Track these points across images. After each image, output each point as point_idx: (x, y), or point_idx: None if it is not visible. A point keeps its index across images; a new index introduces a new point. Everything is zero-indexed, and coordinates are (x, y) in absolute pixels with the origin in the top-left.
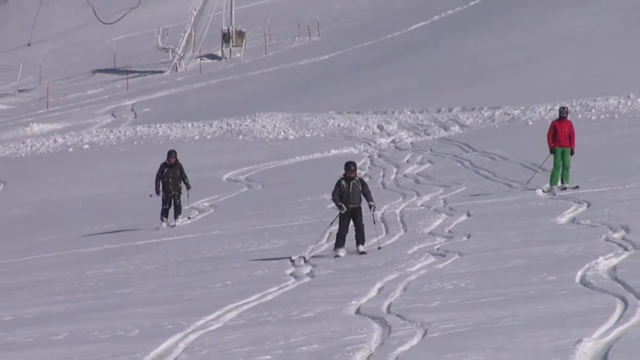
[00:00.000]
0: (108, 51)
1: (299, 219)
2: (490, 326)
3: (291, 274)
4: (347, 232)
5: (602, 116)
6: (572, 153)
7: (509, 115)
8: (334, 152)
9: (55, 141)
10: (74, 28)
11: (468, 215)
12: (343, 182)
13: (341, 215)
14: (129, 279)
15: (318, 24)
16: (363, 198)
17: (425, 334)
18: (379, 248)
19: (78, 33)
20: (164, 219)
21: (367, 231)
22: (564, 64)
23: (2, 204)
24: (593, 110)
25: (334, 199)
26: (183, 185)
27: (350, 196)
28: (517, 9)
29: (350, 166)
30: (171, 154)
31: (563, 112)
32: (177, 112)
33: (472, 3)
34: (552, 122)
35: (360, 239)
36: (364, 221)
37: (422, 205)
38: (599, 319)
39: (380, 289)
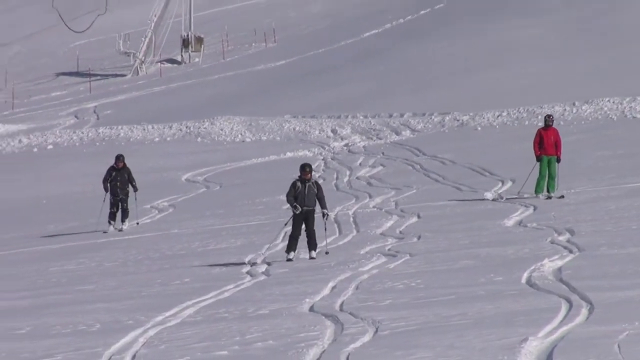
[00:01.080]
0: (72, 55)
1: (255, 219)
2: (440, 325)
3: (247, 272)
4: (300, 234)
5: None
6: (558, 161)
7: (458, 120)
8: (289, 154)
9: (20, 141)
10: (39, 32)
11: (418, 217)
12: (299, 184)
13: (295, 218)
14: (90, 276)
15: (274, 30)
16: (317, 202)
17: (376, 332)
18: (327, 253)
19: (43, 37)
20: (112, 222)
21: (317, 234)
22: (511, 72)
23: None
24: (539, 117)
25: (288, 200)
26: (131, 189)
27: (306, 198)
28: (465, 19)
29: (305, 168)
30: (119, 158)
31: (549, 120)
32: (138, 115)
33: (422, 12)
34: (538, 129)
35: (312, 245)
36: (315, 226)
37: (374, 207)
38: (545, 318)
39: (333, 288)
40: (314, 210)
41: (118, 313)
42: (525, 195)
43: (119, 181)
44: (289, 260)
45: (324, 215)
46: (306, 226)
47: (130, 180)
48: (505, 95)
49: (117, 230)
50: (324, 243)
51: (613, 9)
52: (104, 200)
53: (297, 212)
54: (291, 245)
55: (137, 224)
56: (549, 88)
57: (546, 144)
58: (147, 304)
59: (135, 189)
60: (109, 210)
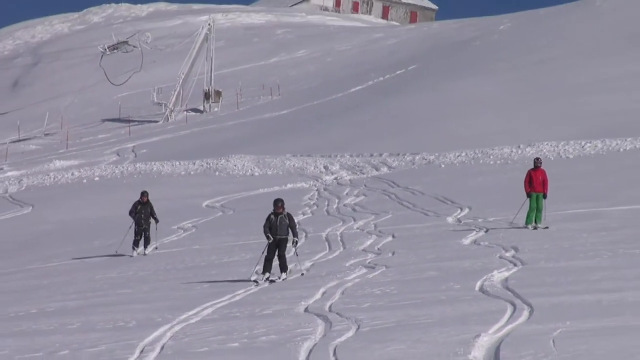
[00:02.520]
0: (115, 105)
1: (261, 238)
2: (410, 323)
3: (254, 280)
4: (273, 257)
5: (498, 161)
6: (544, 197)
7: (425, 159)
8: (289, 185)
9: (72, 174)
10: (89, 86)
11: (393, 236)
12: (272, 217)
13: (269, 244)
14: (128, 282)
15: (278, 86)
16: (290, 230)
17: (358, 329)
18: (302, 274)
19: (92, 90)
20: (135, 248)
21: (289, 262)
22: (468, 120)
23: (30, 222)
24: (491, 157)
25: (264, 231)
26: (152, 221)
27: (278, 228)
28: (432, 78)
29: (278, 203)
30: (144, 194)
31: (537, 162)
32: (168, 153)
33: (398, 72)
34: (528, 170)
35: (283, 267)
36: (287, 252)
37: (357, 229)
38: (494, 318)
39: (323, 293)
40: (286, 239)
41: (150, 312)
42: (479, 220)
43: (142, 213)
44: (255, 281)
45: (293, 242)
46: (278, 251)
47: (152, 213)
48: (464, 139)
49: (141, 255)
50: (299, 267)
51: (549, 71)
52: (129, 228)
53: (270, 241)
54: (266, 267)
55: (156, 248)
56: (499, 133)
57: (535, 182)
58: (173, 305)
59: (157, 221)
60: (133, 238)
